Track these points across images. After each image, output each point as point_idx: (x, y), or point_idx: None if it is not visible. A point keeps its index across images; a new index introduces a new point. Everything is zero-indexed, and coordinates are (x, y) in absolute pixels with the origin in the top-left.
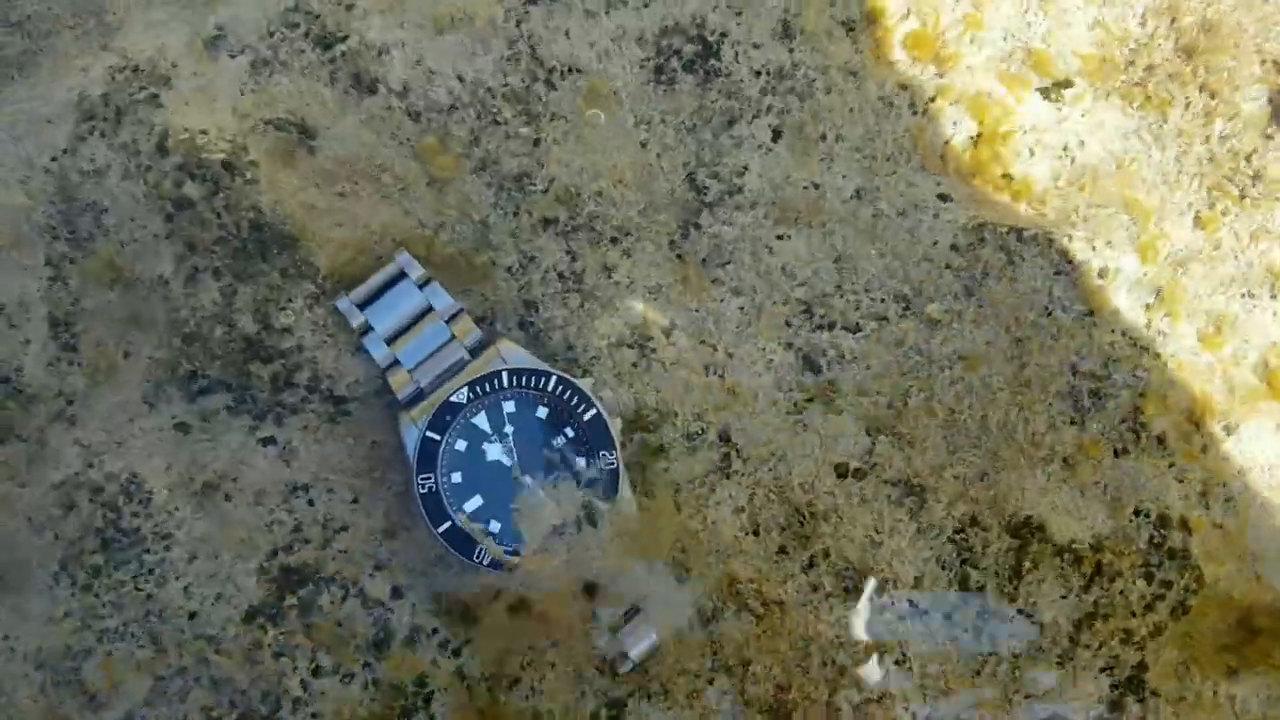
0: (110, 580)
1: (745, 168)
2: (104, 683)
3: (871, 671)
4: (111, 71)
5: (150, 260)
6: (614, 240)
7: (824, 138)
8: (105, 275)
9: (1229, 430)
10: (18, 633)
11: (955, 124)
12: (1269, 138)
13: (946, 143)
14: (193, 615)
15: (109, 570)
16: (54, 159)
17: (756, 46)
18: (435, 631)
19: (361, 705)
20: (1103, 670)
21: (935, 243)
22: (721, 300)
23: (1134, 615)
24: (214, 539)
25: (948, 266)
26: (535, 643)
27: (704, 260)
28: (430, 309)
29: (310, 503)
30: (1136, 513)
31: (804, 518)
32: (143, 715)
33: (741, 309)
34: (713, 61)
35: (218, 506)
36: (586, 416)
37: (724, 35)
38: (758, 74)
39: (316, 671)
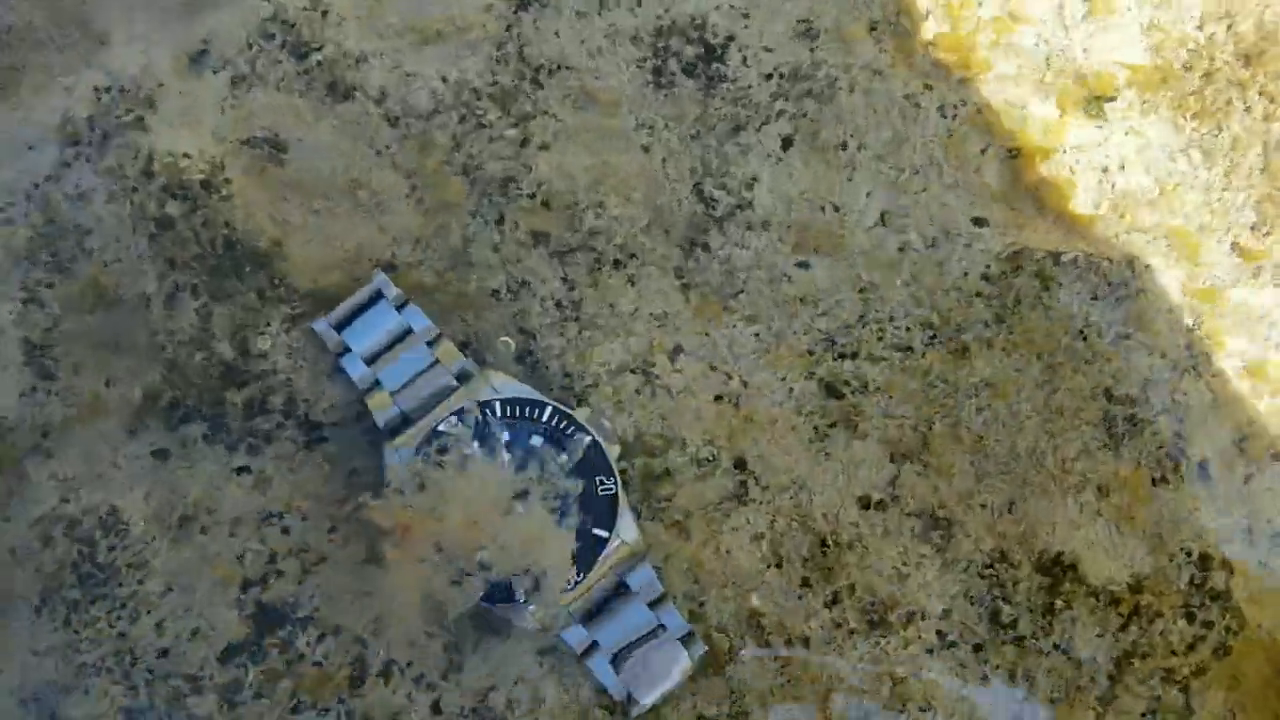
0: (87, 615)
1: (755, 179)
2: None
3: None
4: (97, 92)
5: (134, 279)
6: (617, 263)
7: (844, 145)
8: (87, 298)
9: (1277, 457)
10: (2, 666)
11: (989, 137)
12: None
13: (982, 152)
14: (164, 652)
15: (85, 605)
16: (36, 185)
17: (768, 50)
18: (410, 665)
19: None
20: (1144, 715)
21: (965, 274)
22: (734, 327)
23: (1175, 654)
24: (190, 572)
25: (978, 295)
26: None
27: (716, 289)
28: (410, 331)
29: (285, 531)
30: (1179, 549)
31: (827, 547)
32: None
33: (758, 336)
34: (716, 65)
35: (193, 539)
36: (583, 444)
37: (730, 38)
38: (768, 77)
39: (296, 709)
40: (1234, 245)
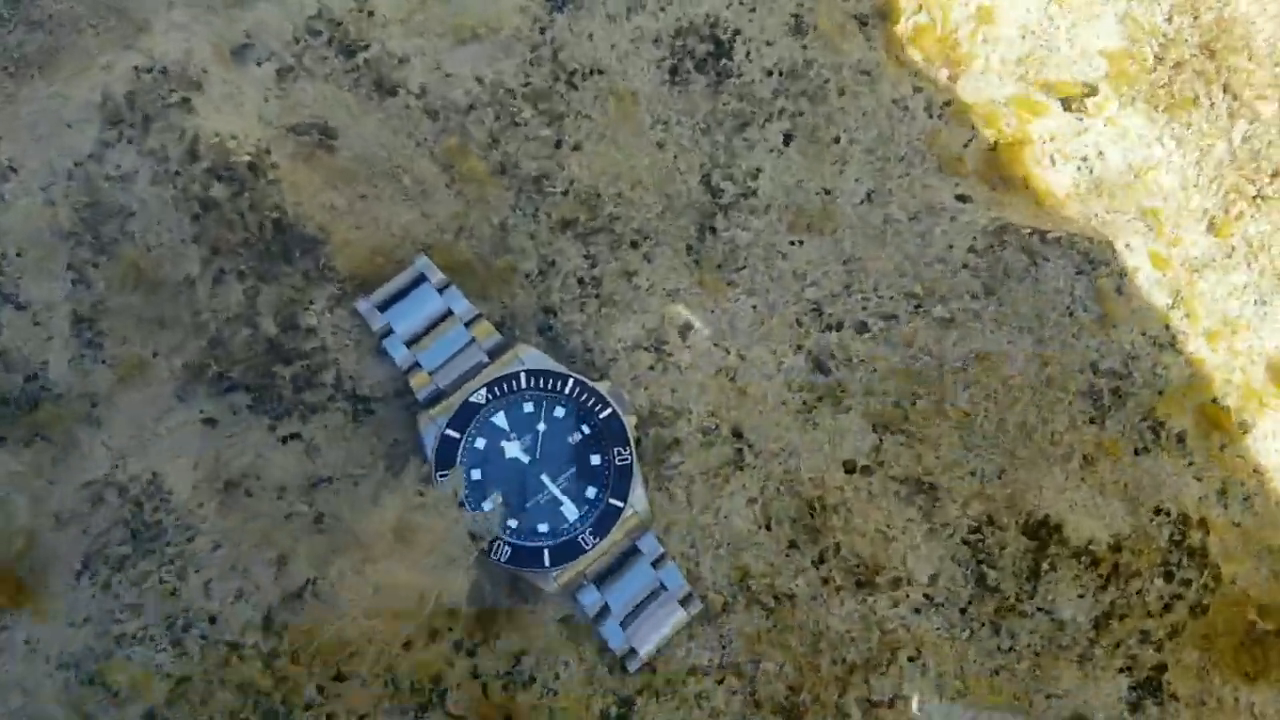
0: (134, 574)
1: (759, 170)
2: (126, 683)
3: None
4: (137, 71)
5: (177, 263)
6: (633, 244)
7: (837, 140)
8: (130, 278)
9: (1245, 428)
10: (40, 638)
11: (973, 130)
12: None
13: (965, 145)
14: (213, 619)
15: (131, 567)
16: (78, 164)
17: (769, 44)
18: (450, 630)
19: (378, 706)
20: (1121, 670)
21: (950, 246)
22: (736, 301)
23: (1151, 616)
24: (235, 535)
25: (965, 267)
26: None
27: (719, 265)
28: (450, 313)
29: (336, 493)
30: (1156, 511)
31: (814, 511)
32: (165, 717)
33: (755, 308)
34: (725, 61)
35: (239, 502)
36: (602, 415)
37: (737, 32)
38: (770, 74)
39: (337, 676)
40: (1209, 226)
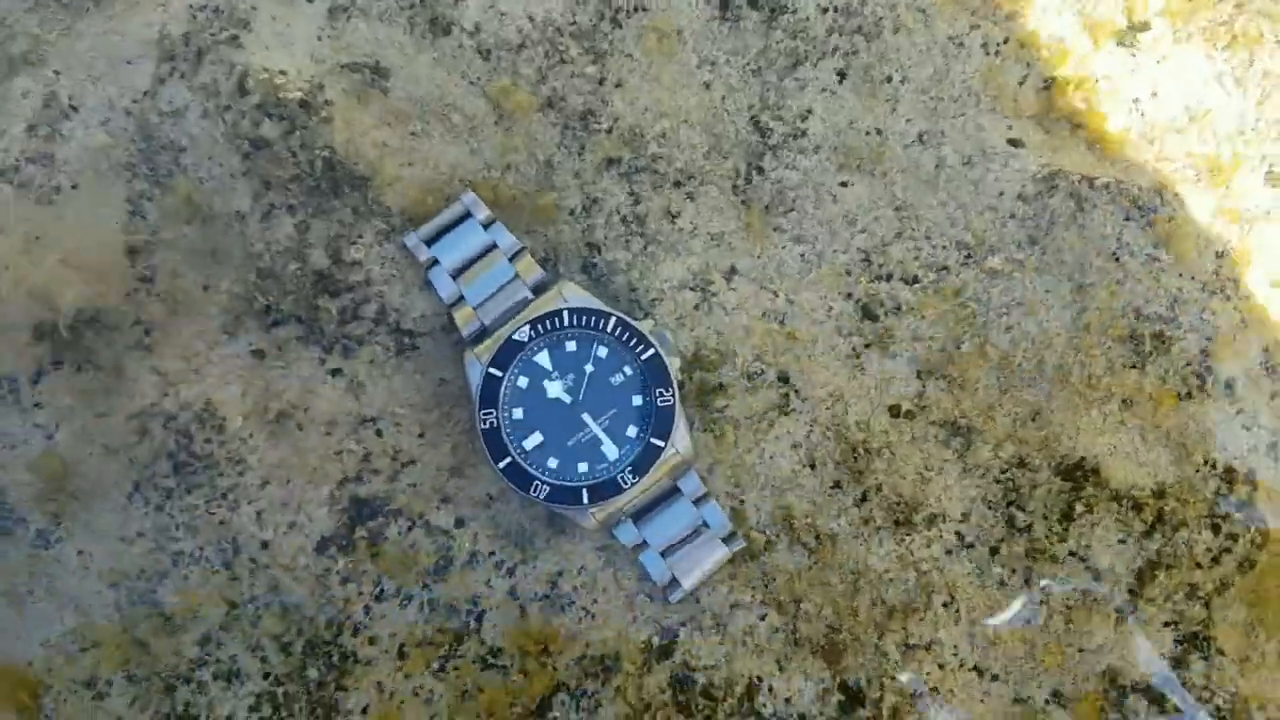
0: (183, 503)
1: (809, 111)
2: (180, 607)
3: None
4: (192, 10)
5: (227, 197)
6: (677, 184)
7: (889, 79)
8: (183, 211)
9: None
10: (92, 550)
11: (1028, 67)
12: None
13: (1019, 84)
14: (265, 544)
15: (181, 494)
16: (135, 100)
17: None
18: (492, 554)
19: (416, 627)
20: (1166, 624)
21: (1001, 193)
22: (784, 248)
23: (1199, 568)
24: (287, 466)
25: (1013, 216)
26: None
27: (767, 207)
28: (494, 246)
29: (379, 433)
30: (1204, 461)
31: (858, 454)
32: (219, 639)
33: (803, 256)
34: None
35: (290, 435)
36: (644, 356)
37: None
38: (824, 10)
39: (379, 596)
40: (1268, 174)
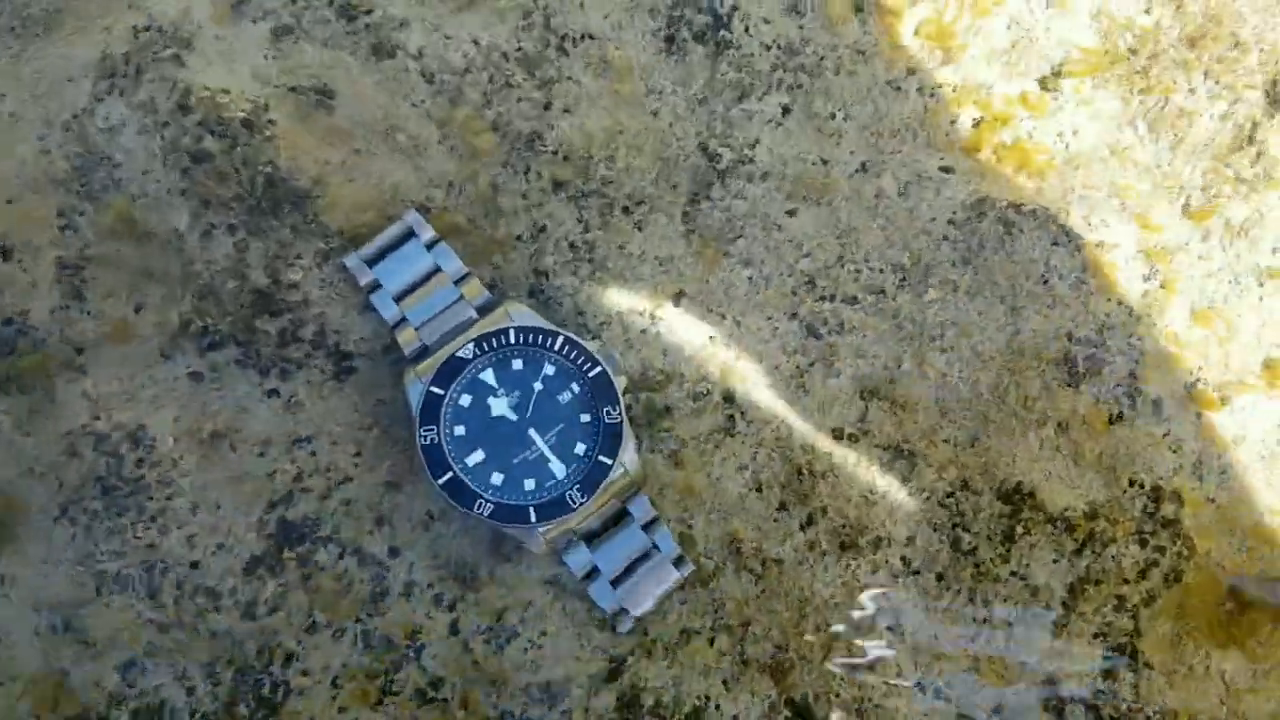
0: (112, 525)
1: (757, 140)
2: (102, 632)
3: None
4: (135, 30)
5: (165, 214)
6: (626, 210)
7: (833, 116)
8: (119, 229)
9: (1224, 401)
10: (15, 577)
11: (959, 108)
12: (1270, 117)
13: (952, 122)
14: (195, 565)
15: (109, 516)
16: (74, 116)
17: (767, 21)
18: (430, 586)
19: (351, 659)
20: (1096, 636)
21: (934, 218)
22: (731, 271)
23: (1127, 582)
24: (217, 488)
25: (945, 239)
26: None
27: (716, 233)
28: (438, 269)
29: (313, 454)
30: (1130, 483)
31: (803, 476)
32: (142, 665)
33: (750, 279)
34: (723, 33)
35: (223, 456)
36: (592, 373)
37: (735, 8)
38: (768, 48)
39: (311, 628)
40: (1184, 208)
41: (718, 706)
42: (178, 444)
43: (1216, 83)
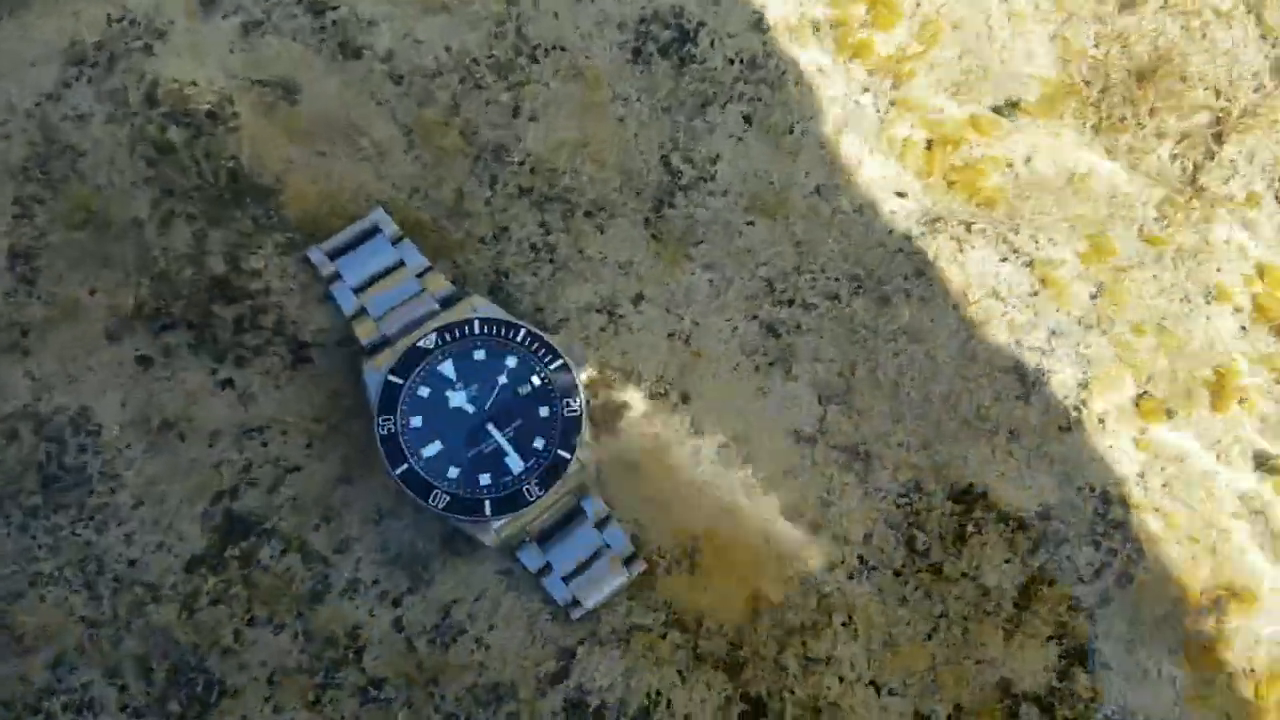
0: (49, 523)
1: (718, 155)
2: (34, 626)
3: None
4: (110, 19)
5: (126, 204)
6: (589, 214)
7: (791, 130)
8: (76, 216)
9: (1169, 415)
10: None
11: (913, 130)
12: (1212, 155)
13: (905, 141)
14: (132, 563)
15: (47, 511)
16: (37, 103)
17: (731, 35)
18: (376, 582)
19: (289, 656)
20: (1050, 639)
21: (890, 231)
22: (693, 274)
23: (1082, 581)
24: (163, 480)
25: (899, 251)
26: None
27: (679, 238)
28: (402, 264)
29: (264, 444)
30: (1079, 488)
31: None
32: (72, 663)
33: (711, 282)
34: (689, 46)
35: (170, 445)
36: (553, 366)
37: (701, 24)
38: (731, 61)
39: (250, 622)
40: (1139, 233)
41: (669, 704)
42: (124, 431)
43: (1164, 118)
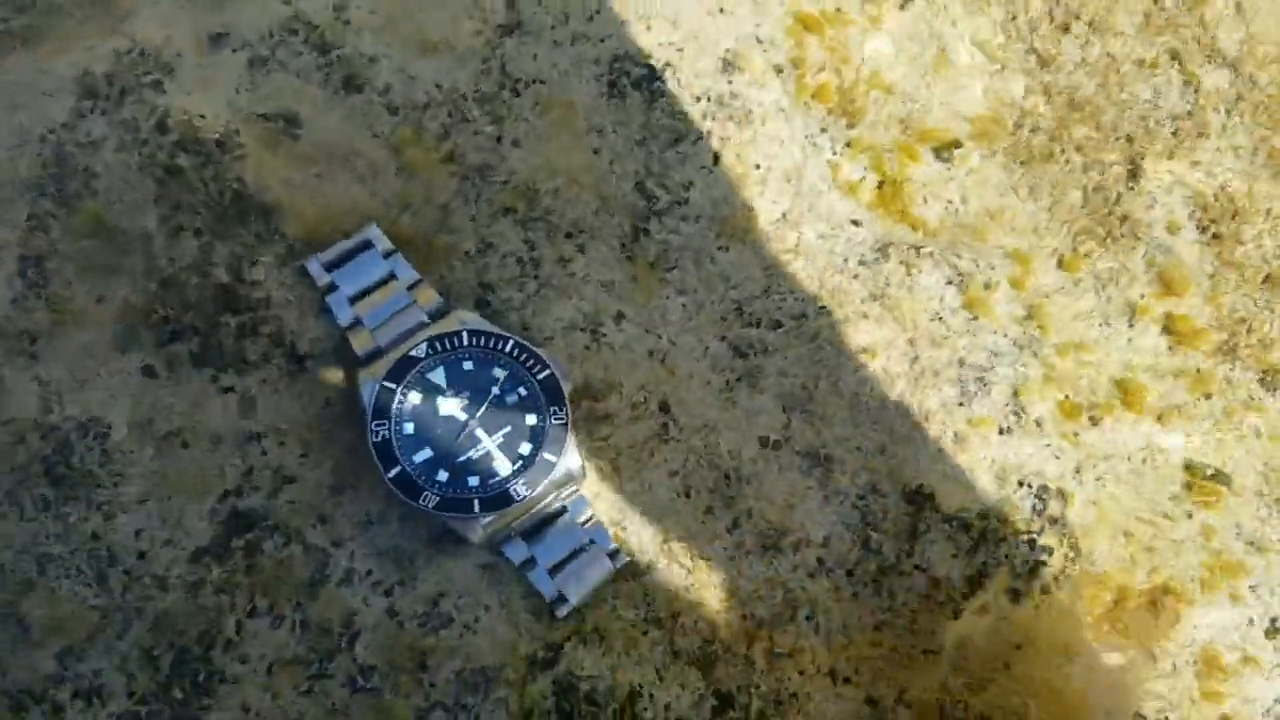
0: (57, 514)
1: (690, 183)
2: (45, 618)
3: None
4: (118, 53)
5: (135, 218)
6: (569, 235)
7: (758, 166)
8: (87, 228)
9: (1094, 421)
10: None
11: (865, 169)
12: (1131, 189)
13: (860, 180)
14: (142, 555)
15: (57, 506)
16: (51, 130)
17: (698, 76)
18: (369, 573)
19: (287, 648)
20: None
21: (846, 259)
22: (667, 298)
23: (1019, 576)
24: (168, 482)
25: (855, 277)
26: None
27: (652, 263)
28: (394, 277)
29: (264, 451)
30: (1020, 484)
31: (730, 480)
32: (81, 652)
33: (684, 306)
34: (658, 84)
35: (174, 451)
36: (540, 376)
37: (668, 64)
38: (699, 99)
39: (252, 613)
40: (1059, 262)
41: (651, 696)
42: (130, 436)
43: (1085, 158)
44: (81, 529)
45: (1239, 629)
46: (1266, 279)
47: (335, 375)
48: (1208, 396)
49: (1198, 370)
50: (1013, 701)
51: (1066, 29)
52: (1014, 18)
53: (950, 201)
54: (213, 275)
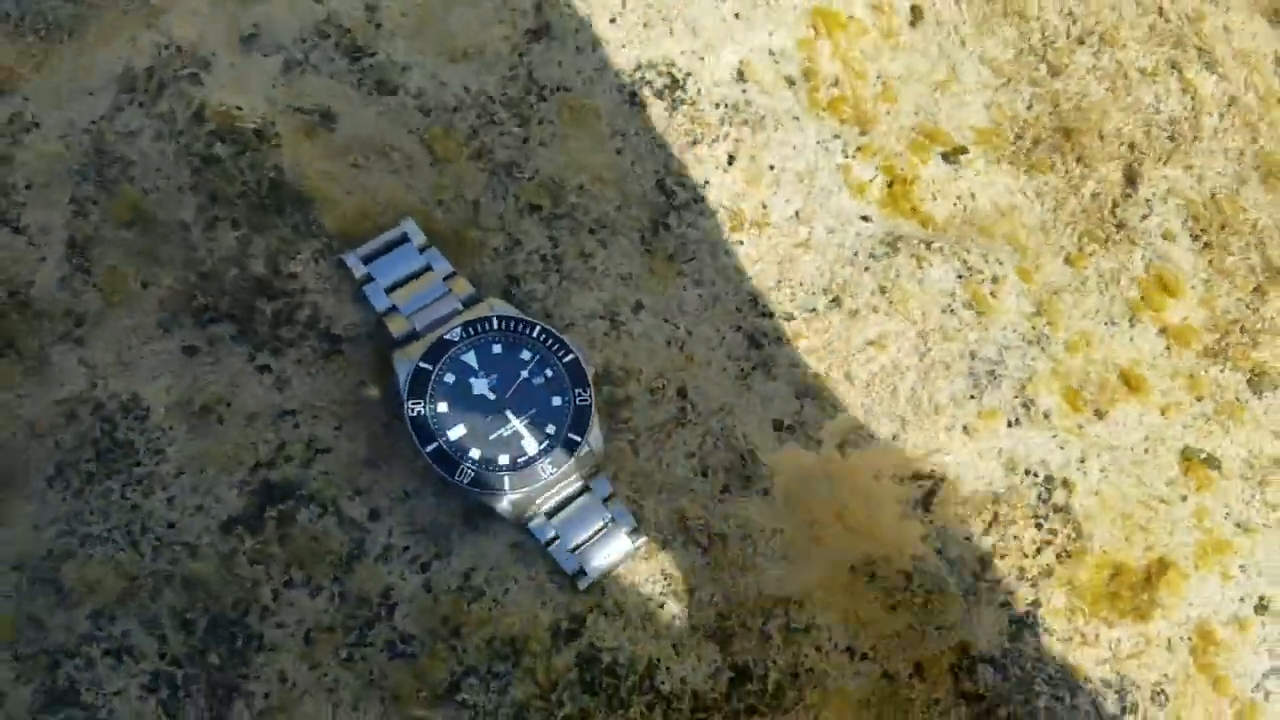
0: (100, 488)
1: (707, 182)
2: (79, 582)
3: None
4: (158, 47)
5: (173, 208)
6: (592, 231)
7: (772, 168)
8: (126, 216)
9: (1100, 414)
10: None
11: (876, 171)
12: (1128, 196)
13: (870, 181)
14: (172, 525)
15: (100, 479)
16: (93, 122)
17: (716, 85)
18: (406, 549)
19: (325, 615)
20: (1001, 605)
21: (856, 253)
22: (684, 289)
23: (1026, 556)
24: (203, 455)
25: (866, 269)
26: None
27: (670, 255)
28: (429, 268)
29: (296, 426)
30: (1027, 472)
31: (745, 461)
32: (112, 613)
33: (700, 296)
34: (679, 92)
35: (210, 427)
36: (565, 360)
37: (689, 74)
38: (716, 105)
39: (289, 583)
40: (1065, 260)
41: (668, 669)
42: (169, 413)
43: (1086, 165)
44: (121, 504)
45: (1230, 605)
46: (1256, 289)
47: (369, 357)
48: (1199, 399)
49: (1190, 375)
50: None
51: (1081, 42)
52: (1028, 38)
53: (959, 199)
54: (250, 268)
